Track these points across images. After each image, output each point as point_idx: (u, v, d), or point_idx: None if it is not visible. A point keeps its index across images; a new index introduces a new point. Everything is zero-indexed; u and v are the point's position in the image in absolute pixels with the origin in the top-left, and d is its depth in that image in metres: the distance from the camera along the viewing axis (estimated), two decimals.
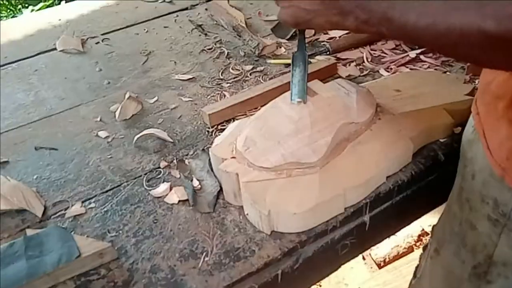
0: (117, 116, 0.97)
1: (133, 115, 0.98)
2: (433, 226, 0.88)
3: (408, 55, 1.06)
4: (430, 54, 1.06)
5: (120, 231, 0.75)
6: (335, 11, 0.62)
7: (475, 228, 0.72)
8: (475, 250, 0.74)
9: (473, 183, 0.70)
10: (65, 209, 0.79)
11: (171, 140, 0.90)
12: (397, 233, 1.81)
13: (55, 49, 1.21)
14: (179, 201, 0.78)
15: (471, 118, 0.72)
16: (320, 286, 1.77)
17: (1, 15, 2.91)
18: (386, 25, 0.57)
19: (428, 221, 1.92)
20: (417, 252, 1.84)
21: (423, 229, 1.90)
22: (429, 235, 0.87)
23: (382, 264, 1.81)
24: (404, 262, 1.80)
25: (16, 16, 2.44)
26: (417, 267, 1.01)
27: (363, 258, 1.84)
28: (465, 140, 0.74)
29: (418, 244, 1.87)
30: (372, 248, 1.83)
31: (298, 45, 0.78)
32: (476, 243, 0.73)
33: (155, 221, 0.76)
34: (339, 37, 1.14)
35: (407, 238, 1.86)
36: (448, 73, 1.00)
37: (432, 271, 0.89)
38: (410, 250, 1.85)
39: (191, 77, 1.08)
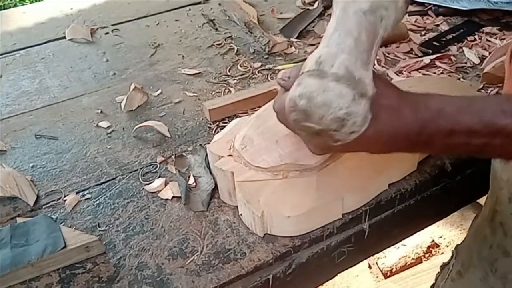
0: (122, 106, 0.95)
1: (138, 106, 0.97)
2: (457, 246, 0.83)
3: (422, 60, 1.02)
4: (445, 60, 1.02)
5: (111, 225, 0.73)
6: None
7: (509, 255, 0.67)
8: (507, 278, 0.69)
9: (510, 206, 0.66)
10: (58, 199, 0.77)
11: (169, 135, 0.88)
12: (406, 243, 1.79)
13: (64, 37, 1.21)
14: (173, 197, 0.76)
15: None
16: None
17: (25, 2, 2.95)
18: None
19: (439, 232, 1.88)
20: (426, 264, 1.79)
21: (433, 241, 1.85)
22: (441, 248, 0.82)
23: (388, 273, 1.77)
24: (411, 273, 1.76)
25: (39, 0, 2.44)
26: (432, 286, 0.95)
27: (369, 267, 1.80)
28: (498, 160, 0.68)
29: (427, 255, 1.82)
30: (380, 257, 1.80)
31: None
32: (509, 270, 0.68)
33: (147, 217, 0.74)
34: None
35: (416, 249, 1.82)
36: (462, 79, 0.96)
37: None
38: (418, 261, 1.80)
39: (197, 72, 1.06)
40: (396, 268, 1.78)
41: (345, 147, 0.54)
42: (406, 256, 1.80)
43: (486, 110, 0.48)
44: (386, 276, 1.77)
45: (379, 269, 1.79)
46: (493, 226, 0.70)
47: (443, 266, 0.88)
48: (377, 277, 1.78)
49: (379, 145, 0.52)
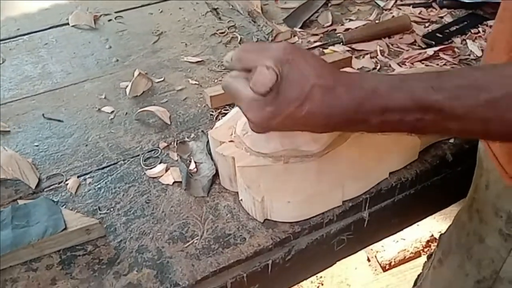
0: (127, 92, 0.96)
1: (143, 92, 0.97)
2: (440, 235, 0.84)
3: (426, 51, 1.02)
4: (449, 52, 1.02)
5: (112, 209, 0.73)
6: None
7: (483, 241, 0.68)
8: (481, 264, 0.70)
9: (487, 193, 0.66)
10: (59, 183, 0.78)
11: (169, 122, 0.88)
12: (405, 237, 1.79)
13: (67, 24, 1.20)
14: (174, 182, 0.76)
15: None
16: (322, 284, 1.74)
17: None
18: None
19: (439, 227, 1.88)
20: (425, 258, 1.79)
21: (432, 235, 1.85)
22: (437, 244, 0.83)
23: (387, 267, 1.78)
24: (410, 267, 1.76)
25: None
26: (419, 275, 0.97)
27: (368, 260, 1.81)
28: (481, 148, 0.69)
29: (426, 250, 1.82)
30: (378, 250, 1.80)
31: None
32: (483, 257, 0.69)
33: (148, 201, 0.74)
34: (356, 28, 1.11)
35: (415, 243, 1.83)
36: None
37: (433, 282, 0.85)
38: (417, 255, 1.81)
39: (200, 60, 1.06)
40: (394, 261, 1.78)
41: (283, 126, 0.53)
42: (405, 250, 1.80)
43: (417, 87, 0.48)
44: (384, 269, 1.77)
45: (378, 262, 1.79)
46: (470, 213, 0.70)
47: (429, 256, 0.89)
48: (375, 270, 1.78)
49: (317, 124, 0.52)
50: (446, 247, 0.80)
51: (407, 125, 0.50)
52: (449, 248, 0.78)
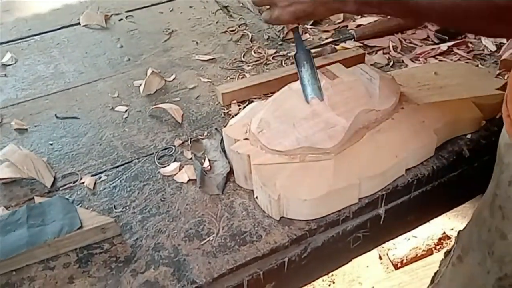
0: (141, 90, 0.96)
1: (156, 90, 0.97)
2: (459, 232, 0.83)
3: (439, 47, 1.01)
4: (463, 47, 1.01)
5: (127, 207, 0.73)
6: None
7: (505, 237, 0.67)
8: (503, 261, 0.69)
9: (509, 190, 0.66)
10: (74, 182, 0.78)
11: (180, 120, 0.88)
12: (417, 234, 1.78)
13: (78, 24, 1.21)
14: (189, 180, 0.76)
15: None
16: (334, 283, 1.73)
17: None
18: (388, 4, 0.56)
19: (451, 224, 1.87)
20: (437, 255, 1.78)
21: (444, 233, 1.84)
22: (452, 240, 0.82)
23: (399, 265, 1.76)
24: (422, 265, 1.75)
25: None
26: (436, 273, 0.95)
27: (380, 258, 1.80)
28: (502, 143, 0.68)
29: (438, 247, 1.81)
30: (390, 248, 1.79)
31: (296, 44, 0.74)
32: (505, 253, 0.68)
33: (163, 199, 0.74)
34: (368, 24, 1.10)
35: (427, 241, 1.81)
36: (480, 66, 0.95)
37: (452, 279, 0.84)
38: (429, 253, 1.79)
39: (211, 58, 1.06)
40: (406, 259, 1.77)
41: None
42: (417, 247, 1.79)
43: None
44: (396, 267, 1.76)
45: (390, 260, 1.78)
46: (492, 209, 0.70)
47: (446, 253, 0.88)
48: (387, 268, 1.77)
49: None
50: (466, 243, 0.78)
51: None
52: (469, 244, 0.77)
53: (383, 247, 1.80)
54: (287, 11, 0.66)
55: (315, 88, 0.72)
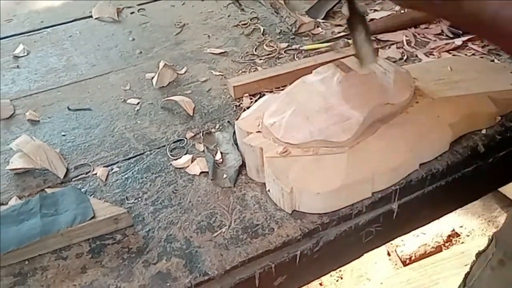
0: (154, 83, 0.96)
1: (168, 83, 0.97)
2: (496, 233, 0.81)
3: (454, 42, 1.00)
4: (478, 42, 1.00)
5: (139, 199, 0.73)
6: None
7: None
8: None
9: None
10: (87, 173, 0.78)
11: (191, 113, 0.88)
12: (425, 231, 1.77)
13: (90, 16, 1.21)
14: (201, 172, 0.76)
15: None
16: (342, 278, 1.73)
17: None
18: None
19: (460, 222, 1.86)
20: (446, 252, 1.77)
21: (453, 230, 1.83)
22: (461, 238, 0.79)
23: (407, 261, 1.76)
24: (431, 262, 1.74)
25: None
26: (467, 274, 0.92)
27: (388, 254, 1.79)
28: None
29: (447, 244, 1.80)
30: (399, 244, 1.79)
31: (349, 8, 0.69)
32: None
33: (175, 191, 0.74)
34: (380, 18, 1.09)
35: (436, 238, 1.80)
36: (496, 61, 0.94)
37: (491, 283, 0.81)
38: (438, 250, 1.78)
39: (223, 51, 1.05)
40: (415, 256, 1.76)
41: None
42: (425, 244, 1.78)
43: None
44: (405, 263, 1.75)
45: (398, 256, 1.77)
46: None
47: (479, 254, 0.86)
48: (396, 264, 1.76)
49: None
50: (509, 247, 0.77)
51: None
52: None
53: (391, 244, 1.79)
54: None
55: (367, 53, 0.69)
